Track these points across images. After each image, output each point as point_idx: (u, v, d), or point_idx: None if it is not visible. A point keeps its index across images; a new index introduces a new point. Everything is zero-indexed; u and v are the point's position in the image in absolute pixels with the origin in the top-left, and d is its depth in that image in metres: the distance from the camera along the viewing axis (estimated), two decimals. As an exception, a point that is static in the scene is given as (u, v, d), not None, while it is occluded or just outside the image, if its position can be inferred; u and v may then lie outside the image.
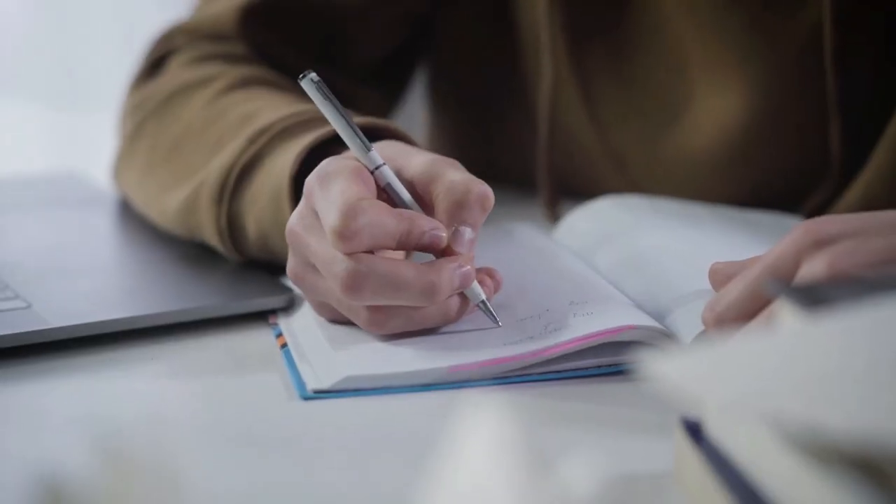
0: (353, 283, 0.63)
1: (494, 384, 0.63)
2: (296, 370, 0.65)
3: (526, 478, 0.38)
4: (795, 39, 0.86)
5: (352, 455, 0.57)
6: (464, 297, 0.66)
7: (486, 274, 0.67)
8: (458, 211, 0.65)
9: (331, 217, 0.63)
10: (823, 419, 0.39)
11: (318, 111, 0.70)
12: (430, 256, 0.66)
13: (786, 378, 0.42)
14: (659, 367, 0.42)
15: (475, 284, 0.66)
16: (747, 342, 0.46)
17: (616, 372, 0.64)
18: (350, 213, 0.62)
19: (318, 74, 0.67)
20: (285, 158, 0.74)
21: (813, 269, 0.57)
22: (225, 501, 0.52)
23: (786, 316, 0.47)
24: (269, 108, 0.80)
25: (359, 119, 0.71)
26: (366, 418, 0.61)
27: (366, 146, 0.67)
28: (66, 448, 0.57)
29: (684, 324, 0.65)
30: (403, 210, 0.65)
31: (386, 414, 0.61)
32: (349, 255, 0.63)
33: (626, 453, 0.56)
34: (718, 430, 0.49)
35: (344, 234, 0.62)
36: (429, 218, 0.65)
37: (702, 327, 0.63)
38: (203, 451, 0.57)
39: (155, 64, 0.95)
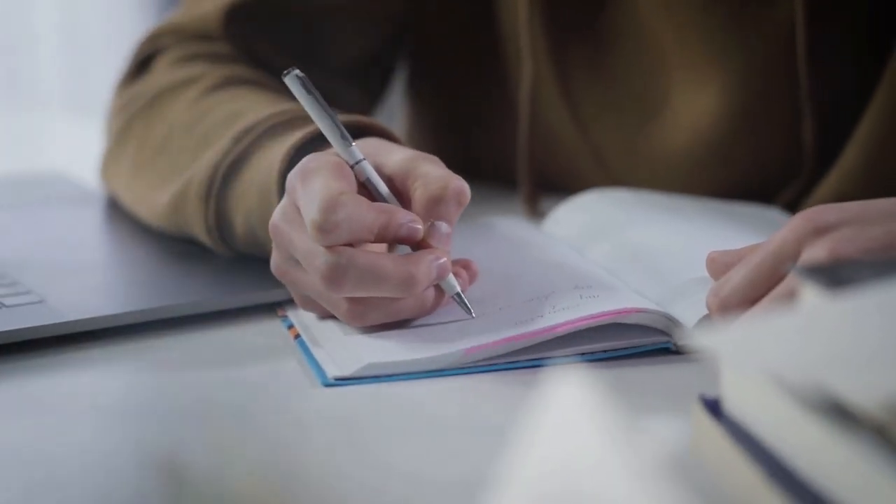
0: (334, 276, 0.64)
1: (504, 368, 0.65)
2: (313, 359, 0.66)
3: (556, 457, 0.41)
4: (772, 37, 0.88)
5: (393, 437, 0.58)
6: (439, 290, 0.68)
7: (461, 266, 0.69)
8: (435, 206, 0.67)
9: (311, 211, 0.64)
10: (847, 388, 0.42)
11: (301, 110, 0.71)
12: (410, 252, 0.68)
13: (811, 351, 0.45)
14: (704, 340, 0.45)
15: (451, 276, 0.67)
16: (776, 319, 0.48)
17: (621, 356, 0.66)
18: (329, 207, 0.64)
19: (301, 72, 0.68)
20: (272, 156, 0.75)
21: (814, 255, 0.59)
22: (273, 484, 0.53)
23: (808, 295, 0.50)
24: (254, 107, 0.81)
25: (343, 117, 0.72)
26: (395, 402, 0.62)
27: (346, 141, 0.68)
28: (99, 438, 0.59)
29: (685, 310, 0.67)
30: (382, 204, 0.67)
31: (414, 397, 0.62)
32: (329, 248, 0.64)
33: (637, 433, 0.58)
34: (739, 404, 0.51)
35: (323, 228, 0.64)
36: (406, 211, 0.66)
37: (704, 313, 0.65)
38: (242, 438, 0.58)
39: (142, 64, 0.95)
